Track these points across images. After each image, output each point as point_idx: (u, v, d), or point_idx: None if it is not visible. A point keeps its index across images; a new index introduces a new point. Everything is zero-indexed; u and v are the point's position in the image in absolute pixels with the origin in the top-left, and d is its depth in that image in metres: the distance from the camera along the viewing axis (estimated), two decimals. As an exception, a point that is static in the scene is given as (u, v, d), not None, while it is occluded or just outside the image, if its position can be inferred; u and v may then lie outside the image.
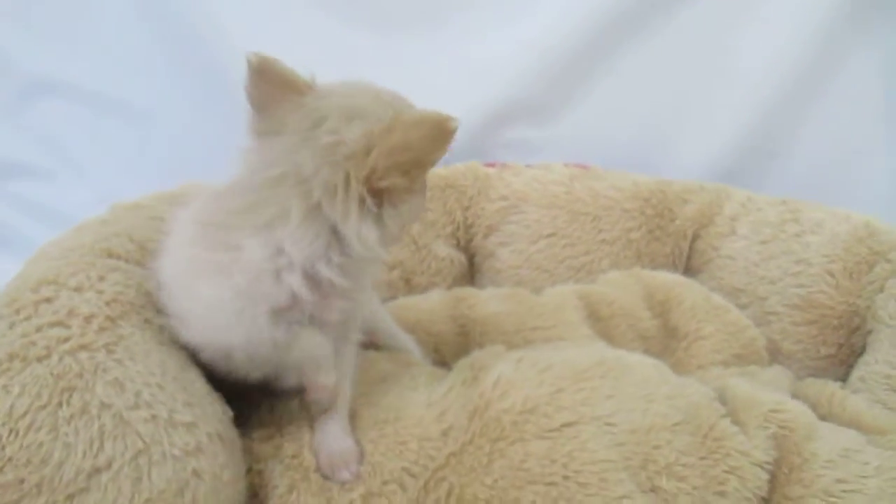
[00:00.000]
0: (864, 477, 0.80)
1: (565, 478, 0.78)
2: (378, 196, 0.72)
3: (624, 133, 1.54)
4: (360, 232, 0.73)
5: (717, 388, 0.94)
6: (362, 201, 0.71)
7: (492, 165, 1.45)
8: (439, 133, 0.69)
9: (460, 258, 1.42)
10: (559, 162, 1.44)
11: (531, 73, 1.52)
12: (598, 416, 0.84)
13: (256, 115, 0.77)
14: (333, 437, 0.84)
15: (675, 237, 1.36)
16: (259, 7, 1.52)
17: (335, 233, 0.73)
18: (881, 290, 1.11)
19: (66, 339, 0.79)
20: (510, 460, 0.79)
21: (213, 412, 0.84)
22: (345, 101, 0.74)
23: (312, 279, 0.75)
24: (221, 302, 0.75)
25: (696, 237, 1.35)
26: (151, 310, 0.91)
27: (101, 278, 0.89)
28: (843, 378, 1.12)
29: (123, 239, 1.01)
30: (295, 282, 0.74)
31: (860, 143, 1.48)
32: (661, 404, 0.86)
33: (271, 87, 0.75)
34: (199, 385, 0.86)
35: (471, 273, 1.46)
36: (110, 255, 0.96)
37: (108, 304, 0.85)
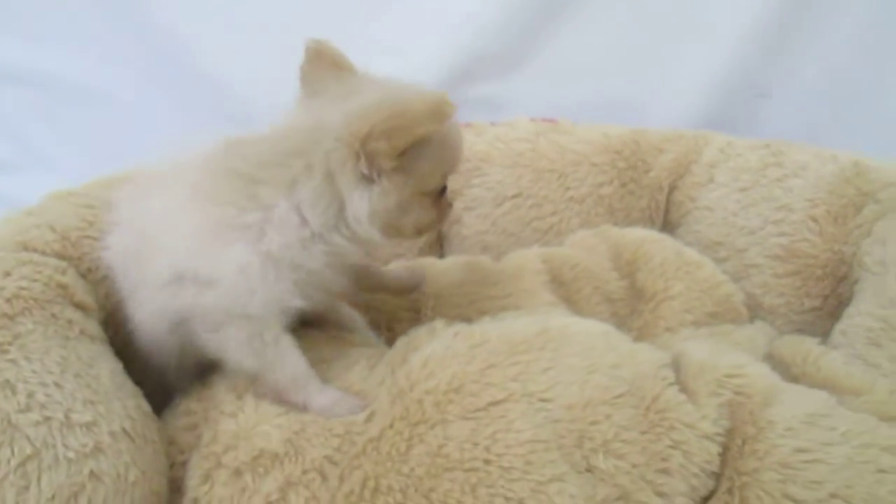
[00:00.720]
0: (828, 445, 0.71)
1: (486, 462, 0.71)
2: (371, 161, 0.76)
3: (596, 84, 1.43)
4: (354, 201, 0.77)
5: (675, 353, 0.85)
6: (358, 160, 0.76)
7: (454, 126, 1.37)
8: (436, 109, 0.75)
9: (426, 226, 1.35)
10: (525, 117, 1.34)
11: (494, 25, 1.41)
12: (530, 393, 0.76)
13: (305, 93, 0.84)
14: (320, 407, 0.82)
15: (651, 189, 1.26)
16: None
17: (342, 207, 0.78)
18: (868, 234, 1.00)
19: (-44, 340, 0.75)
20: (429, 445, 0.73)
21: (122, 408, 0.80)
22: (385, 83, 0.82)
23: (333, 253, 0.80)
24: (251, 266, 0.76)
25: (673, 188, 1.25)
26: (62, 303, 0.87)
27: (6, 274, 0.85)
28: (831, 332, 1.02)
29: (44, 230, 0.97)
30: (319, 252, 0.79)
31: (854, 81, 1.34)
32: (602, 375, 0.78)
33: (324, 68, 0.83)
34: (108, 380, 0.82)
35: (439, 241, 1.38)
36: (25, 247, 0.92)
37: (7, 300, 0.81)
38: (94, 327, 0.90)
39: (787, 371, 0.88)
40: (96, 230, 1.01)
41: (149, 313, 0.84)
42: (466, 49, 1.43)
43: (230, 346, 0.81)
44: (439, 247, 1.39)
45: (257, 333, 0.80)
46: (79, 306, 0.89)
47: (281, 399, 0.82)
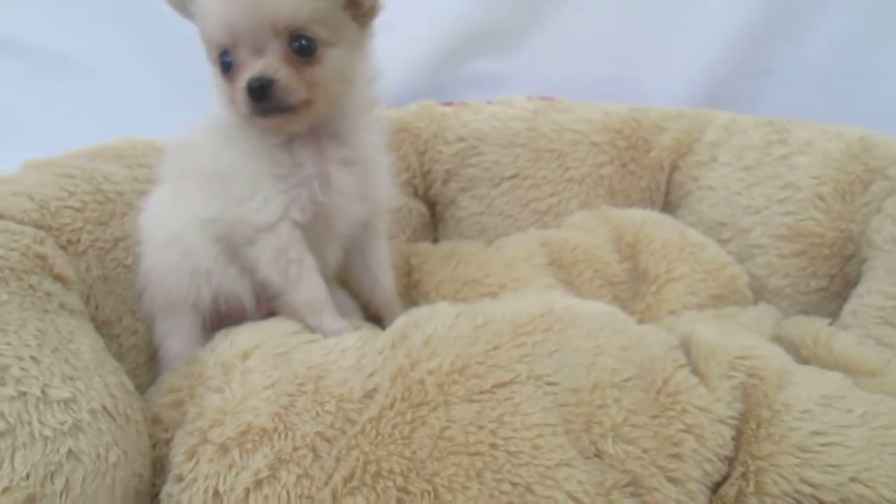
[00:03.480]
0: (846, 427, 0.69)
1: (493, 446, 0.68)
2: None
3: (595, 59, 1.38)
4: None
5: (683, 335, 0.82)
6: None
7: (449, 104, 1.33)
8: None
9: (419, 207, 1.31)
10: (523, 95, 1.30)
11: (489, 1, 1.36)
12: (537, 375, 0.73)
13: None
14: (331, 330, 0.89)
15: (651, 170, 1.23)
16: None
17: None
18: (878, 211, 0.97)
19: (-74, 311, 0.70)
20: (431, 428, 0.70)
21: (103, 385, 0.75)
22: None
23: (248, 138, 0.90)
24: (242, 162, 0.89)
25: (674, 168, 1.22)
26: (40, 274, 0.82)
27: (-20, 242, 0.80)
28: (838, 313, 0.99)
29: (22, 198, 0.91)
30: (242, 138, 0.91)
31: (858, 58, 1.31)
32: (610, 358, 0.75)
33: None
34: (88, 355, 0.77)
35: (433, 223, 1.34)
36: (1, 216, 0.87)
37: (-19, 270, 0.76)
38: (74, 301, 0.85)
39: (797, 353, 0.85)
40: (77, 201, 0.96)
41: (194, 227, 0.92)
42: (461, 25, 1.39)
43: (261, 259, 0.89)
44: (433, 228, 1.35)
45: (283, 250, 0.87)
46: (58, 278, 0.84)
47: (297, 318, 0.90)
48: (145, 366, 0.99)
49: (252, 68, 0.78)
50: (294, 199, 0.87)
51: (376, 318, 1.05)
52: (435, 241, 1.33)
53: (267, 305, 0.97)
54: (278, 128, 0.84)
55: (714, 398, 0.71)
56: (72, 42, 1.52)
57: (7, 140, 1.55)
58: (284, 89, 0.78)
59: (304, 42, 0.80)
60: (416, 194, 1.31)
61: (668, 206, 1.23)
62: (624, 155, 1.22)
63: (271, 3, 0.78)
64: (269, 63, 0.78)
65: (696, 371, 0.75)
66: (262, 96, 0.78)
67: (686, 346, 0.79)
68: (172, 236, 0.95)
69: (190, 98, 1.44)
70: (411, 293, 1.12)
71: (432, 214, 1.35)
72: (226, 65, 0.81)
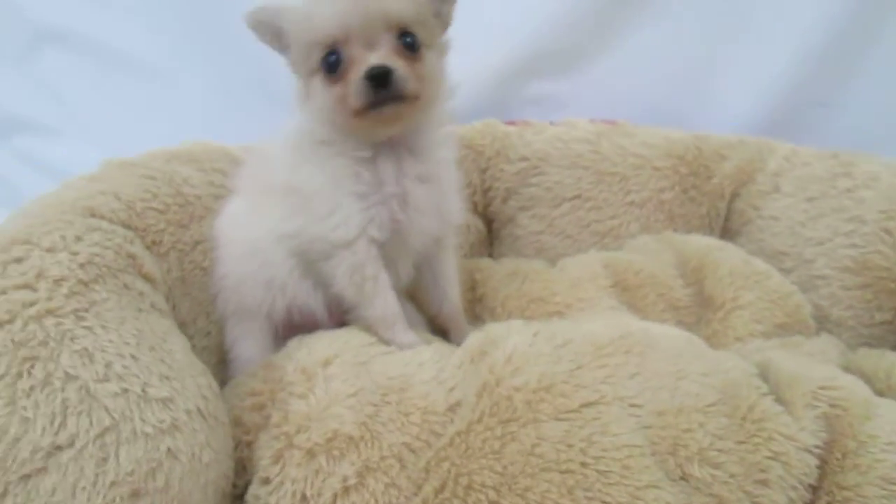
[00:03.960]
0: (931, 462, 0.69)
1: (583, 465, 0.69)
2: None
3: (656, 85, 1.40)
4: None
5: (759, 363, 0.83)
6: None
7: (512, 123, 1.35)
8: None
9: (477, 224, 1.33)
10: (585, 118, 1.32)
11: (555, 22, 1.39)
12: (621, 397, 0.74)
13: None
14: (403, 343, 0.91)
15: (712, 197, 1.24)
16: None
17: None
18: (945, 247, 0.98)
19: (32, 304, 0.72)
20: (522, 444, 0.71)
21: (195, 386, 0.77)
22: None
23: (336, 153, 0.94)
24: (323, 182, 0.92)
25: (734, 196, 1.24)
26: (132, 274, 0.84)
27: (78, 238, 0.82)
28: (902, 346, 1.00)
29: (109, 197, 0.93)
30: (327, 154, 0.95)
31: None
32: (692, 382, 0.76)
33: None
34: (181, 356, 0.79)
35: (489, 239, 1.36)
36: (93, 213, 0.89)
37: (81, 266, 0.78)
38: (161, 301, 0.87)
39: (870, 385, 0.85)
40: (160, 203, 0.98)
41: (271, 240, 0.94)
42: (526, 45, 1.41)
43: (337, 274, 0.91)
44: (489, 245, 1.37)
45: (359, 266, 0.89)
46: (147, 278, 0.87)
47: (371, 331, 0.92)
48: (216, 368, 1.00)
49: (367, 60, 0.81)
50: (374, 217, 0.89)
51: (442, 331, 1.06)
52: (490, 256, 1.34)
53: (339, 316, 0.99)
54: (385, 123, 0.85)
55: (799, 427, 0.72)
56: (139, 41, 1.54)
57: (68, 134, 1.58)
58: (402, 78, 0.81)
59: (410, 39, 0.83)
60: (475, 211, 1.33)
61: (727, 233, 1.24)
62: (685, 181, 1.23)
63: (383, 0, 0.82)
64: (384, 54, 0.81)
65: (779, 399, 0.75)
66: (383, 83, 0.80)
67: (764, 374, 0.80)
68: (249, 247, 0.97)
69: (254, 104, 1.49)
70: (475, 308, 1.13)
71: (489, 231, 1.36)
72: (331, 65, 0.83)
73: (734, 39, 1.38)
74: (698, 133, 1.27)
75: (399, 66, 0.81)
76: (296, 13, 0.86)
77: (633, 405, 0.74)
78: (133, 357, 0.72)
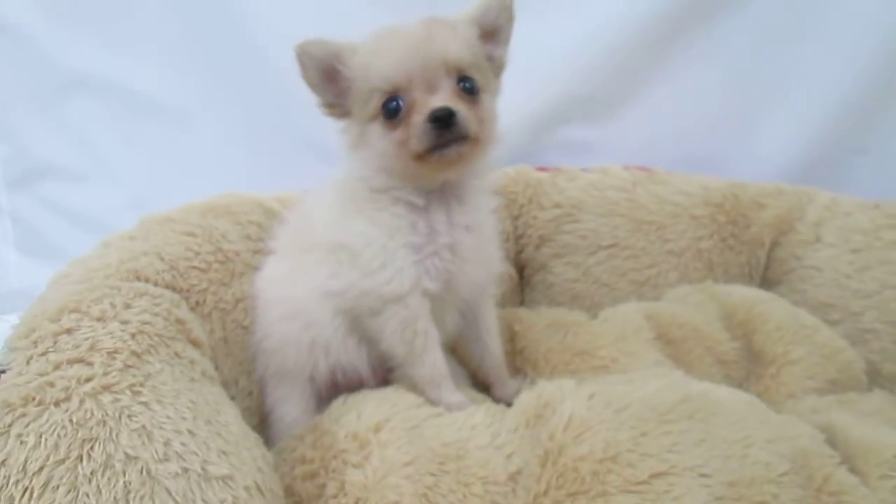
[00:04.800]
0: None
1: (659, 541, 0.67)
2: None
3: (689, 132, 1.40)
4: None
5: (822, 425, 0.81)
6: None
7: (544, 170, 1.34)
8: None
9: (510, 271, 1.31)
10: (618, 164, 1.32)
11: (587, 68, 1.38)
12: (690, 466, 0.72)
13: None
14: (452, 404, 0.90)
15: (751, 246, 1.23)
16: (302, 4, 1.41)
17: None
18: None
19: (88, 379, 0.70)
20: (592, 519, 0.68)
21: (252, 459, 0.75)
22: None
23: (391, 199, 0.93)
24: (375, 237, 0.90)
25: (774, 245, 1.22)
26: (182, 341, 0.83)
27: (127, 305, 0.80)
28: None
29: (153, 258, 0.92)
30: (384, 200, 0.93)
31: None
32: (761, 450, 0.74)
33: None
34: (236, 427, 0.77)
35: (521, 287, 1.34)
36: (138, 277, 0.88)
37: (133, 336, 0.76)
38: (210, 367, 0.86)
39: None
40: (202, 261, 0.97)
41: (315, 299, 0.92)
42: (557, 91, 1.40)
43: (386, 330, 0.89)
44: (520, 291, 1.35)
45: (410, 321, 0.88)
46: (195, 344, 0.85)
47: (417, 390, 0.90)
48: (257, 429, 0.98)
49: (429, 103, 0.81)
50: (428, 269, 0.88)
51: (483, 385, 1.04)
52: (522, 303, 1.33)
53: (383, 374, 0.97)
54: (448, 166, 0.85)
55: (879, 500, 0.70)
56: (167, 87, 1.53)
57: (95, 179, 1.57)
58: (465, 119, 0.81)
59: (469, 83, 0.84)
60: (507, 258, 1.31)
61: (767, 282, 1.23)
62: (723, 230, 1.22)
63: (443, 44, 0.82)
64: (446, 97, 0.81)
65: (852, 469, 0.74)
66: (448, 124, 0.80)
67: (831, 440, 0.79)
68: (291, 308, 0.95)
69: (282, 150, 1.48)
70: (515, 360, 1.11)
71: (520, 278, 1.35)
72: (392, 110, 0.83)
73: (768, 86, 1.38)
74: (734, 181, 1.26)
75: (461, 108, 0.81)
76: (355, 57, 0.85)
77: (702, 475, 0.72)
78: (191, 433, 0.70)
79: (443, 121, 0.80)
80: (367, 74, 0.84)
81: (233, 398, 0.95)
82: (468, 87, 0.84)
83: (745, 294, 1.13)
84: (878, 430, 0.79)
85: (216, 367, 0.92)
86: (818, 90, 1.34)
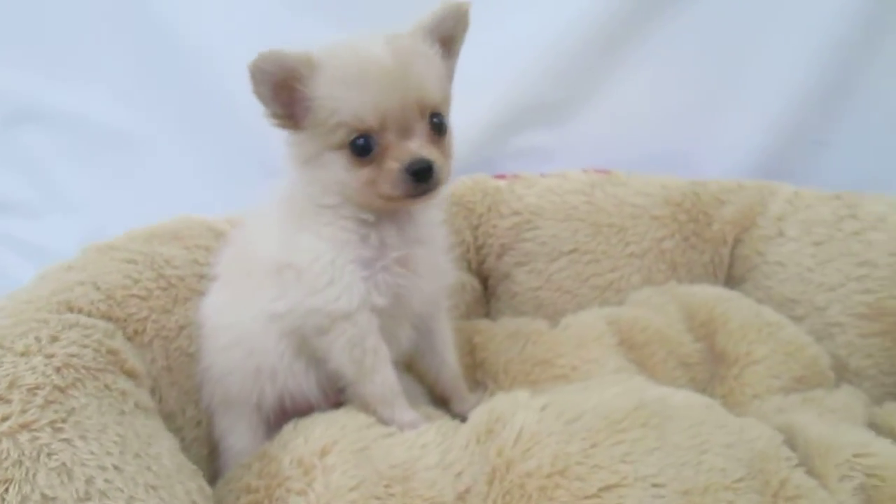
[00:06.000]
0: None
1: (608, 557, 0.64)
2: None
3: (646, 132, 1.37)
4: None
5: (783, 427, 0.79)
6: None
7: (502, 177, 1.31)
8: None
9: (473, 282, 1.28)
10: (577, 168, 1.29)
11: (540, 72, 1.36)
12: (642, 476, 0.69)
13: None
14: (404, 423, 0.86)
15: (714, 244, 1.20)
16: (248, 26, 1.39)
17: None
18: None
19: (5, 418, 0.66)
20: (540, 538, 0.65)
21: (185, 492, 0.72)
22: None
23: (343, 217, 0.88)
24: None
25: (737, 242, 1.20)
26: (114, 372, 0.79)
27: (54, 339, 0.77)
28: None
29: (88, 287, 0.89)
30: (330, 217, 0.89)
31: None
32: (717, 456, 0.71)
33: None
34: (168, 460, 0.74)
35: (486, 297, 1.32)
36: (70, 308, 0.85)
37: (58, 370, 0.73)
38: (146, 398, 0.82)
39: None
40: (142, 289, 0.94)
41: (260, 324, 0.89)
42: (512, 98, 1.38)
43: (335, 349, 0.86)
44: (485, 302, 1.32)
45: (359, 339, 0.85)
46: (130, 374, 0.82)
47: (369, 410, 0.87)
48: (207, 459, 0.95)
49: (404, 150, 0.78)
50: (378, 284, 0.85)
51: (442, 400, 1.01)
52: (487, 314, 1.30)
53: (335, 396, 0.94)
54: (413, 205, 0.84)
55: (837, 502, 0.67)
56: (117, 113, 1.50)
57: (50, 211, 1.54)
58: (440, 170, 0.79)
59: (438, 119, 0.81)
60: (469, 269, 1.29)
61: (731, 280, 1.21)
62: (685, 229, 1.20)
63: (418, 81, 0.79)
64: (421, 144, 0.79)
65: (810, 471, 0.71)
66: (425, 178, 0.78)
67: (790, 441, 0.76)
68: (233, 336, 0.92)
69: (241, 173, 1.45)
70: (476, 373, 1.08)
71: (485, 289, 1.32)
72: (361, 148, 0.79)
73: (725, 80, 1.36)
74: (694, 179, 1.24)
75: (436, 156, 0.79)
76: (317, 77, 0.79)
77: (655, 485, 0.69)
78: (116, 468, 0.67)
79: (421, 174, 0.78)
80: (335, 106, 0.79)
81: (180, 428, 0.92)
82: (438, 124, 0.81)
83: (707, 294, 1.10)
84: (838, 428, 0.77)
85: (159, 398, 0.90)
86: (775, 83, 1.32)
